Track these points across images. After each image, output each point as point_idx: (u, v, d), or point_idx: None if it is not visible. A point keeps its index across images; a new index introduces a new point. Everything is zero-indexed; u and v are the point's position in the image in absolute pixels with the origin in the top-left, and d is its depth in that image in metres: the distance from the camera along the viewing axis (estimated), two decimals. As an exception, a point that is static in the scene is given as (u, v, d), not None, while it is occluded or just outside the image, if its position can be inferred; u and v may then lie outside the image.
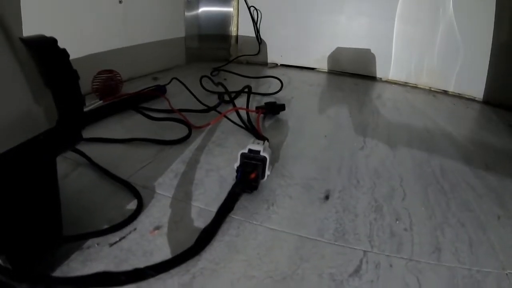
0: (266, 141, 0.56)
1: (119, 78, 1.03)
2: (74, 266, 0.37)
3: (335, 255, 0.42)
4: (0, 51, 0.27)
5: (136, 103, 0.92)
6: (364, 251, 0.43)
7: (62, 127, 0.34)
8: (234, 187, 0.46)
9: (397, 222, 0.49)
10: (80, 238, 0.40)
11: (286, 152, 0.67)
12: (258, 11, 1.60)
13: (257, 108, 0.82)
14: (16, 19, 0.79)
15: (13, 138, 0.28)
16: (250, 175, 0.47)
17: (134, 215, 0.45)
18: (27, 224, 0.32)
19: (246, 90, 0.88)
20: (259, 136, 0.67)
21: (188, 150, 0.65)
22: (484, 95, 1.39)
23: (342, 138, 0.78)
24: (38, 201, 0.34)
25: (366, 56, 1.55)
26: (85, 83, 0.95)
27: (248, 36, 1.64)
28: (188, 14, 1.57)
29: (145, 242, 0.41)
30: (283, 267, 0.39)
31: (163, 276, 0.35)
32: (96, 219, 0.44)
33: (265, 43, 1.64)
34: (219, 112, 0.81)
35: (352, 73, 1.57)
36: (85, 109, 0.84)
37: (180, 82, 1.00)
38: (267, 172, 0.52)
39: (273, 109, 0.83)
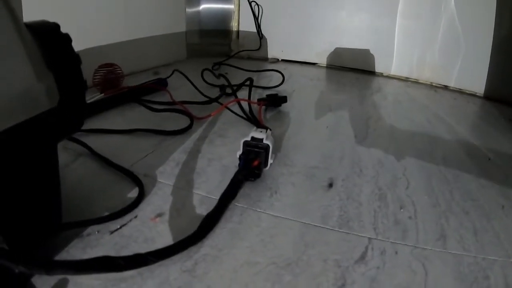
0: (268, 130, 0.55)
1: (120, 71, 1.02)
2: (74, 253, 0.36)
3: (340, 241, 0.41)
4: (4, 27, 0.26)
5: (138, 96, 0.91)
6: (369, 238, 0.42)
7: (64, 109, 0.34)
8: (237, 174, 0.46)
9: (401, 210, 0.48)
10: (80, 225, 0.40)
11: (288, 142, 0.66)
12: (259, 6, 1.59)
13: (259, 100, 0.81)
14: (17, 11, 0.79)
15: (14, 115, 0.27)
16: (253, 162, 0.46)
17: (135, 203, 0.44)
18: (26, 206, 0.32)
19: (247, 82, 0.88)
20: (261, 126, 0.66)
21: (190, 140, 0.64)
22: (485, 90, 1.39)
23: (344, 129, 0.77)
24: (38, 185, 0.33)
25: (367, 51, 1.54)
26: (86, 77, 0.94)
27: (249, 31, 1.63)
28: (189, 9, 1.56)
29: (146, 229, 0.40)
30: (288, 253, 0.38)
31: (165, 262, 0.35)
32: (96, 208, 0.43)
33: (266, 38, 1.63)
34: (221, 104, 0.80)
35: (353, 68, 1.56)
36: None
37: (182, 74, 1.00)
38: (270, 161, 0.51)
39: (275, 101, 0.83)
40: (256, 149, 0.49)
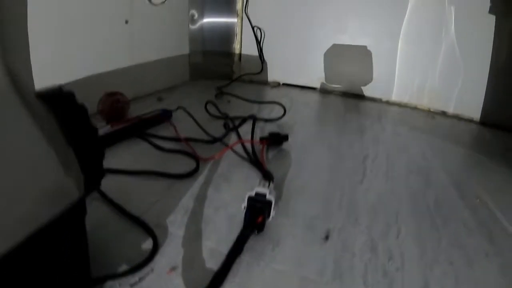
0: (271, 183, 0.62)
1: (126, 101, 1.08)
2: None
3: (333, 295, 0.47)
4: (28, 129, 0.31)
5: (143, 128, 0.97)
6: (360, 292, 0.48)
7: (85, 180, 0.40)
8: (242, 231, 0.52)
9: (390, 262, 0.54)
10: (104, 280, 0.46)
11: (289, 187, 0.72)
12: (262, 30, 1.66)
13: (261, 139, 0.88)
14: (24, 44, 0.85)
15: (48, 211, 0.32)
16: (257, 219, 0.53)
17: (150, 256, 0.50)
18: (59, 275, 0.38)
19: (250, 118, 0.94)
20: (263, 170, 0.73)
21: (197, 184, 0.71)
22: (481, 116, 1.46)
23: (343, 170, 0.84)
24: (70, 255, 0.39)
25: (368, 77, 1.61)
26: (92, 104, 1.01)
27: (251, 55, 1.71)
28: (192, 29, 1.63)
29: (162, 282, 0.47)
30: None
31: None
32: (113, 259, 0.50)
33: (267, 62, 1.70)
34: (225, 145, 0.86)
35: (354, 94, 1.63)
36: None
37: (186, 111, 1.05)
38: (272, 213, 0.57)
39: (277, 140, 0.89)
40: (260, 204, 0.55)
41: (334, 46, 1.60)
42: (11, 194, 0.29)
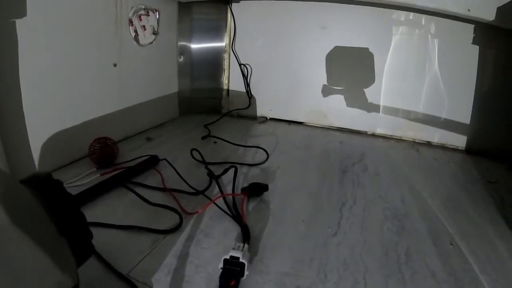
0: (245, 244, 0.71)
1: (115, 145, 1.19)
2: None
3: None
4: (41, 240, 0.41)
5: (131, 176, 1.07)
6: None
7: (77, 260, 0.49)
8: (217, 295, 0.61)
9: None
10: None
11: (265, 243, 0.81)
12: (248, 67, 1.78)
13: (242, 190, 0.97)
14: (15, 90, 0.95)
15: None
16: (230, 283, 0.62)
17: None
18: None
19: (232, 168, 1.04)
20: (242, 225, 0.82)
21: (180, 240, 0.79)
22: (466, 144, 1.59)
23: (318, 222, 0.92)
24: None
25: (353, 111, 1.72)
26: (83, 149, 1.13)
27: (239, 91, 1.82)
28: (181, 63, 1.74)
29: None
30: None
31: None
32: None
33: (255, 97, 1.81)
34: (208, 197, 0.96)
35: (339, 128, 1.73)
36: (85, 182, 1.00)
37: (171, 165, 1.15)
38: (246, 272, 0.66)
39: (257, 191, 0.98)
40: (234, 267, 0.64)
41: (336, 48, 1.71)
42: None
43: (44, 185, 0.47)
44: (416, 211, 1.01)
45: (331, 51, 1.70)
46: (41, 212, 0.44)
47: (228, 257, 0.65)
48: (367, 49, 1.65)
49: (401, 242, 0.86)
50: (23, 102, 0.97)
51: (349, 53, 1.68)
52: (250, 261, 0.68)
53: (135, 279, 0.66)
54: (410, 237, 0.88)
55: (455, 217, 0.99)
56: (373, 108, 1.69)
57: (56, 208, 0.47)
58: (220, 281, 0.63)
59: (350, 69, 1.71)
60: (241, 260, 0.65)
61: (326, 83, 1.73)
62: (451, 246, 0.85)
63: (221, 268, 0.65)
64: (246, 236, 0.77)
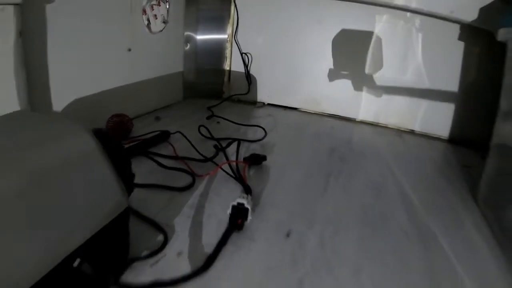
0: (249, 195, 0.89)
1: (130, 122, 1.36)
2: (131, 278, 0.69)
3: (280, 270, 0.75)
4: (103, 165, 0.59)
5: (146, 147, 1.24)
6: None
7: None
8: (227, 229, 0.80)
9: (333, 255, 0.82)
10: (134, 261, 0.72)
11: (265, 200, 0.99)
12: (249, 55, 1.96)
13: (244, 159, 1.16)
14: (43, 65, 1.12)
15: (111, 215, 0.59)
16: (237, 221, 0.80)
17: (163, 245, 0.77)
18: (114, 252, 0.64)
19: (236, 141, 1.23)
20: (245, 185, 1.00)
21: (194, 196, 0.98)
22: (449, 134, 1.75)
23: (309, 187, 1.11)
24: (120, 241, 0.66)
25: (342, 98, 1.91)
26: (100, 122, 1.30)
27: (240, 77, 2.00)
28: (187, 50, 1.92)
29: (172, 263, 0.73)
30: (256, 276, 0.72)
31: (187, 283, 0.68)
32: (138, 247, 0.76)
33: (254, 84, 1.99)
34: (215, 163, 1.14)
35: (331, 114, 1.92)
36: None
37: (184, 136, 1.33)
38: (249, 217, 0.85)
39: (257, 160, 1.17)
40: (239, 211, 0.83)
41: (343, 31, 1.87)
42: (96, 208, 0.56)
43: (105, 136, 0.65)
44: (392, 183, 1.20)
45: (337, 34, 1.86)
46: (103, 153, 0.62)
47: (235, 203, 0.84)
48: (372, 32, 1.79)
49: (377, 204, 1.05)
50: (49, 75, 1.14)
51: (354, 37, 1.84)
52: (253, 210, 0.86)
53: (160, 222, 0.85)
54: (384, 202, 1.07)
55: (428, 192, 1.18)
56: (357, 96, 1.88)
57: (115, 151, 0.65)
58: (229, 220, 0.82)
59: (352, 55, 1.88)
60: (245, 206, 0.83)
61: (320, 74, 1.91)
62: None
63: (229, 213, 0.84)
64: (248, 192, 0.96)
